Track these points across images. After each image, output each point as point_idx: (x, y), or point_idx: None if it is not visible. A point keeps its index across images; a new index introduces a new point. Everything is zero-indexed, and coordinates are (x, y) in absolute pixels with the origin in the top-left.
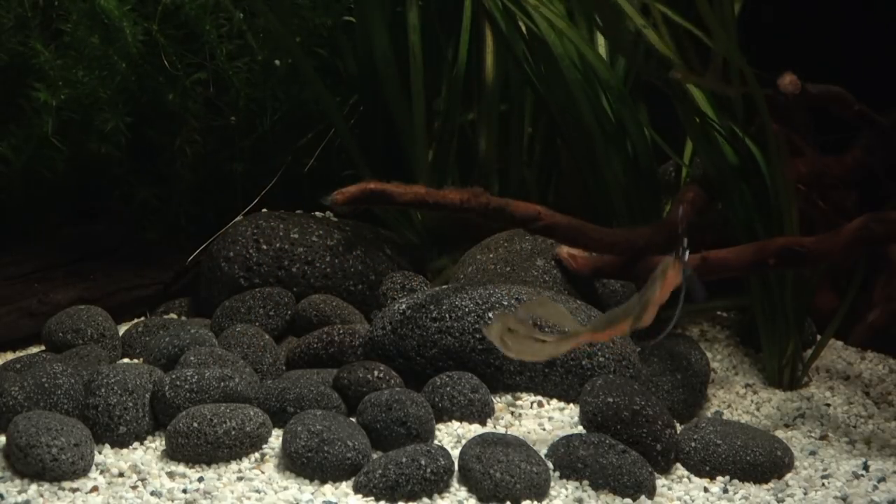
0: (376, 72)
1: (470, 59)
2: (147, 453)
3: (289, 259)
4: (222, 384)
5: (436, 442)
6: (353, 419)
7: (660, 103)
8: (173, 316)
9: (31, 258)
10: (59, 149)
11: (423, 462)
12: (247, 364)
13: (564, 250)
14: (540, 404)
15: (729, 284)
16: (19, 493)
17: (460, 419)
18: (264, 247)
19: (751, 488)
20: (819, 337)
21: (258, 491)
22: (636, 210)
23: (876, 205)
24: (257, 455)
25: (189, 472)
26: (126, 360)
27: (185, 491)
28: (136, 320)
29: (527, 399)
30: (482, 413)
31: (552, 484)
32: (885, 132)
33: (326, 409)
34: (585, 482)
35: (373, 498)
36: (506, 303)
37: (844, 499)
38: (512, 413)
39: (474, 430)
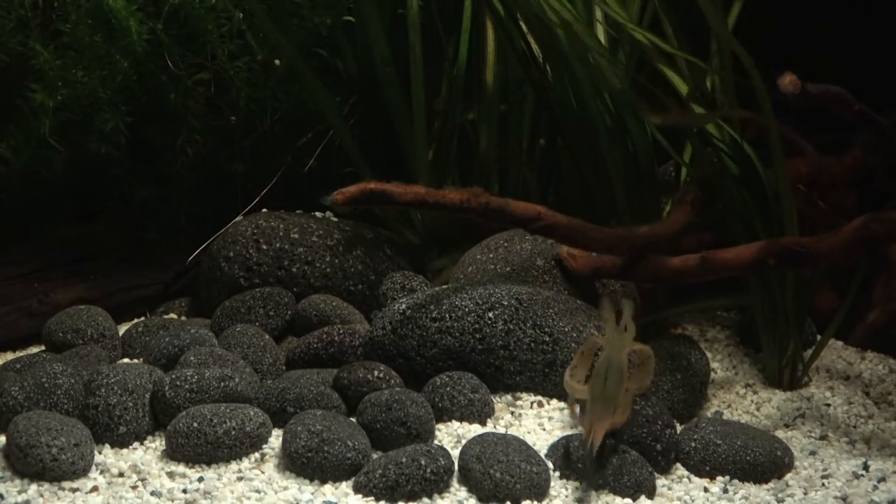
0: (376, 71)
1: (470, 58)
2: (147, 453)
3: (289, 259)
4: (222, 384)
5: (436, 442)
6: (353, 419)
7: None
8: (173, 316)
9: (31, 258)
10: (58, 149)
11: (423, 462)
12: (247, 364)
13: (564, 250)
14: (540, 404)
15: (729, 284)
16: (19, 493)
17: (460, 419)
18: (264, 247)
19: (751, 488)
20: (819, 337)
21: (258, 491)
22: (636, 210)
23: (876, 205)
24: (257, 455)
25: (189, 472)
26: (126, 360)
27: (185, 491)
28: (136, 320)
29: (527, 399)
30: (482, 413)
31: (552, 484)
32: (885, 132)
33: (326, 409)
34: (585, 482)
35: (373, 498)
36: (506, 303)
37: (844, 499)
38: (512, 413)
39: (474, 430)
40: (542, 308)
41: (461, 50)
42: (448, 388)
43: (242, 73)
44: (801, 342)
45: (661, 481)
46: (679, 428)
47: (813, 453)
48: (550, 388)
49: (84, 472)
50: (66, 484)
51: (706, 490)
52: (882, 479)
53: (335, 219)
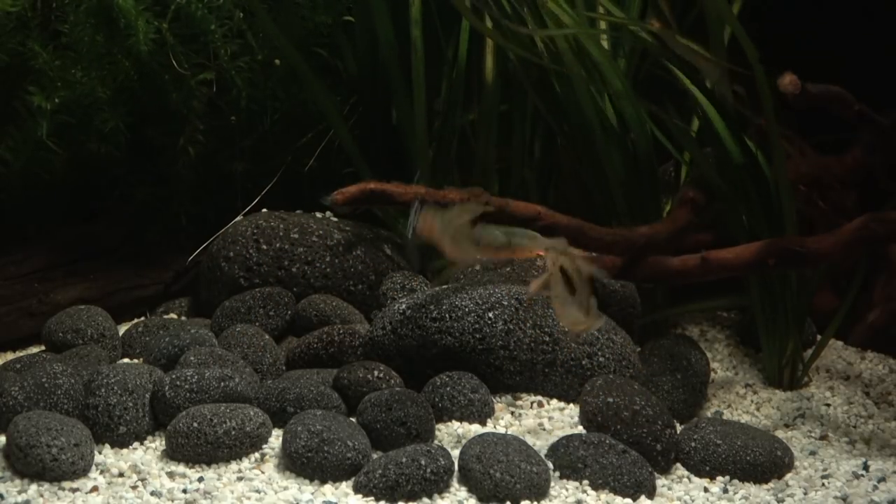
0: (376, 70)
1: (470, 58)
2: (147, 453)
3: (289, 259)
4: (222, 384)
5: (436, 442)
6: (353, 419)
7: (660, 101)
8: (173, 316)
9: (31, 258)
10: (56, 151)
11: (423, 462)
12: (247, 364)
13: None
14: (540, 404)
15: (729, 284)
16: (19, 493)
17: (460, 419)
18: (264, 247)
19: (751, 488)
20: (819, 337)
21: (258, 491)
22: (636, 209)
23: (876, 205)
24: (257, 455)
25: (189, 472)
26: (126, 360)
27: (185, 491)
28: (136, 320)
29: (527, 399)
30: (482, 413)
31: (552, 484)
32: (885, 132)
33: (326, 409)
34: (585, 482)
35: (373, 498)
36: (506, 303)
37: (844, 499)
38: (512, 413)
39: (474, 430)
40: (542, 308)
41: (461, 50)
42: (448, 388)
43: (243, 73)
44: (801, 342)
45: (661, 481)
46: (679, 428)
47: (813, 453)
48: (550, 388)
49: (84, 472)
50: (66, 484)
51: (706, 490)
52: (882, 479)
53: (335, 219)
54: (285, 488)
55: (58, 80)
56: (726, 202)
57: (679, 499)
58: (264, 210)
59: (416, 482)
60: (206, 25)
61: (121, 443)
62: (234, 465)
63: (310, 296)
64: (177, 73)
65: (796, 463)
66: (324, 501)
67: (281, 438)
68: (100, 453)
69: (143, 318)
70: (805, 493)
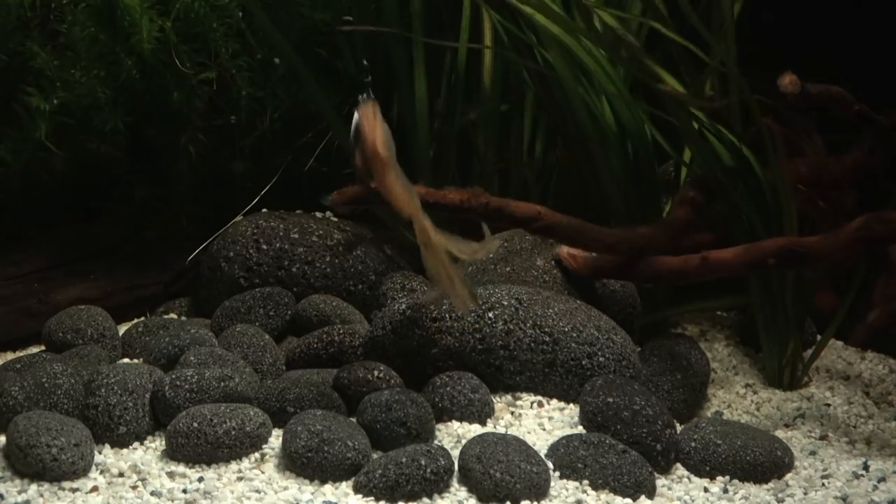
0: (376, 70)
1: (469, 58)
2: (147, 453)
3: (289, 259)
4: (222, 384)
5: (436, 442)
6: (353, 419)
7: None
8: (173, 316)
9: (31, 258)
10: (55, 151)
11: (423, 462)
12: (247, 364)
13: (564, 250)
14: (540, 404)
15: (729, 284)
16: (19, 493)
17: (460, 419)
18: (264, 247)
19: (751, 488)
20: (819, 337)
21: (258, 491)
22: (636, 210)
23: (876, 205)
24: (257, 455)
25: (189, 472)
26: (126, 360)
27: (185, 491)
28: (136, 320)
29: (527, 399)
30: (482, 413)
31: (552, 484)
32: (885, 132)
33: (326, 409)
34: (585, 482)
35: (373, 498)
36: (506, 303)
37: (844, 499)
38: (512, 413)
39: (474, 430)
40: (542, 308)
41: (460, 50)
42: (448, 388)
43: (244, 72)
44: (801, 342)
45: (661, 481)
46: (679, 428)
47: (813, 453)
48: (550, 388)
49: (84, 472)
50: (66, 484)
51: (706, 490)
52: (882, 479)
53: (335, 219)
54: (285, 488)
55: (57, 80)
56: (727, 202)
57: (679, 499)
58: (264, 210)
59: (416, 482)
60: (208, 24)
61: (121, 443)
62: (234, 465)
63: (310, 296)
64: (179, 71)
65: (796, 463)
66: (324, 501)
67: (281, 438)
68: (100, 453)
69: (143, 318)
70: (805, 493)
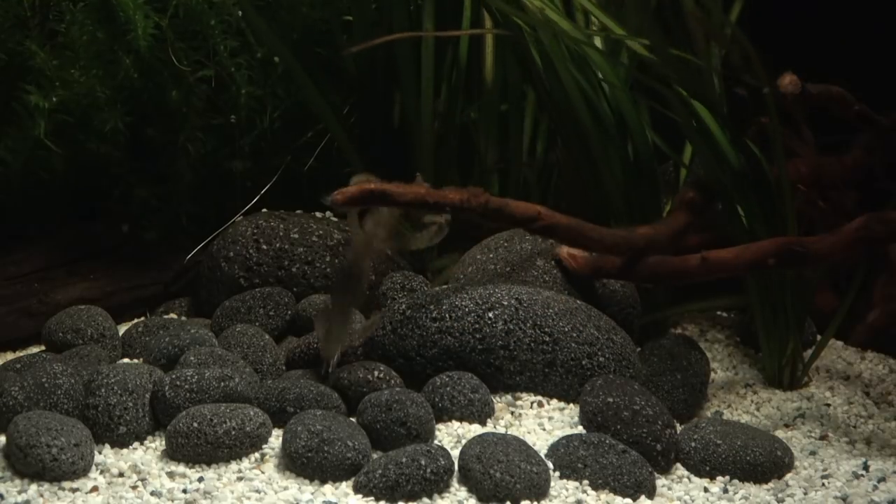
0: (376, 69)
1: (470, 58)
2: (147, 453)
3: (289, 259)
4: (222, 384)
5: (436, 442)
6: (353, 419)
7: (660, 102)
8: (173, 316)
9: (31, 258)
10: (55, 150)
11: (423, 462)
12: (247, 364)
13: (564, 250)
14: (540, 404)
15: (729, 284)
16: (19, 493)
17: (460, 419)
18: (264, 247)
19: (751, 488)
20: (819, 337)
21: (258, 491)
22: (636, 210)
23: (876, 205)
24: (257, 455)
25: (189, 472)
26: (126, 360)
27: (185, 491)
28: (136, 320)
29: (527, 399)
30: (482, 413)
31: (552, 484)
32: (885, 132)
33: (326, 409)
34: (585, 482)
35: (373, 498)
36: (506, 303)
37: (844, 499)
38: (512, 413)
39: (474, 430)
40: (542, 308)
41: (461, 49)
42: (448, 388)
43: (243, 71)
44: (801, 342)
45: (661, 481)
46: (679, 428)
47: (813, 453)
48: (550, 388)
49: (84, 472)
50: (66, 484)
51: (706, 490)
52: (882, 479)
53: (335, 219)
54: (285, 488)
55: (56, 79)
56: (727, 201)
57: (679, 499)
58: (264, 210)
59: (416, 482)
60: (206, 21)
61: (121, 443)
62: (234, 465)
63: (310, 296)
64: (176, 70)
65: (796, 463)
66: (324, 501)
67: (281, 438)
68: (100, 453)
69: (143, 318)
70: (805, 493)
